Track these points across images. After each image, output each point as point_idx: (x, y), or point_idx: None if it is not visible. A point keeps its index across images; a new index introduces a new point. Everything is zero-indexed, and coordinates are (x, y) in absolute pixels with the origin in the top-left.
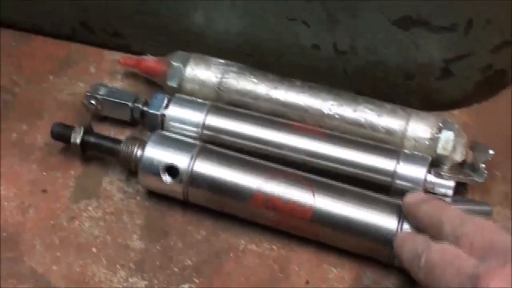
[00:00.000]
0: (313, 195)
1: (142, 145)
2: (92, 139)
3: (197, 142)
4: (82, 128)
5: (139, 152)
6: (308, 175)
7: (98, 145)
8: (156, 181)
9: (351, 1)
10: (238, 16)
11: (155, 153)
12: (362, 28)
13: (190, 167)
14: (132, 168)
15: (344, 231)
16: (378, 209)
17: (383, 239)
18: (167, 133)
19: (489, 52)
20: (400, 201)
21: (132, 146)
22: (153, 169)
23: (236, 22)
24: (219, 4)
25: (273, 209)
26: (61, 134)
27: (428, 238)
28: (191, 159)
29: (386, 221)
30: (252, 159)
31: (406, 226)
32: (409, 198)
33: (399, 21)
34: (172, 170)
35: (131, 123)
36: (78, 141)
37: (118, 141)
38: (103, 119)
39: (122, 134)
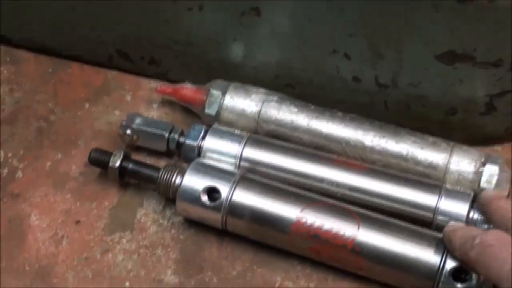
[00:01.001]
0: (358, 225)
1: (182, 172)
2: (130, 165)
3: (236, 170)
4: (122, 153)
5: (178, 179)
6: (351, 206)
7: (136, 171)
8: (195, 207)
9: (396, 36)
10: (278, 47)
11: (194, 180)
12: (405, 62)
13: (230, 195)
14: (170, 196)
15: (387, 264)
16: (422, 244)
17: (426, 274)
18: (207, 161)
19: None
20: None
21: (171, 172)
22: (193, 195)
23: (275, 53)
24: (258, 34)
25: (314, 237)
26: (99, 159)
27: None
28: (231, 187)
29: (429, 256)
30: (293, 188)
31: (449, 262)
32: (486, 193)
33: (443, 56)
34: (212, 194)
35: (167, 154)
36: (117, 165)
37: (157, 168)
38: (139, 149)
39: (158, 165)
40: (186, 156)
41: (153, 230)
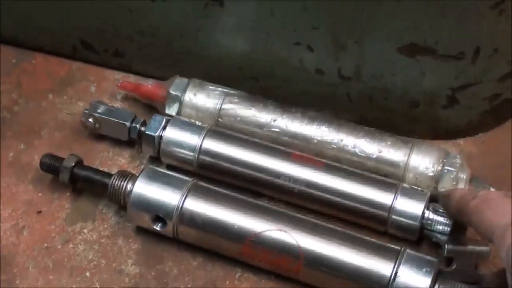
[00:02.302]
0: (300, 252)
1: (133, 181)
2: (82, 173)
3: (188, 178)
4: (73, 162)
5: (128, 187)
6: (295, 225)
7: (88, 178)
8: (145, 223)
9: (358, 29)
10: (241, 39)
11: (145, 190)
12: (367, 55)
13: (180, 205)
14: (122, 204)
15: (335, 278)
16: (371, 255)
17: (376, 284)
18: (158, 169)
19: (496, 81)
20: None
21: (121, 181)
22: (142, 217)
23: (239, 45)
24: (221, 26)
25: (262, 261)
26: (50, 166)
27: None
28: (181, 197)
29: (379, 266)
30: (242, 197)
31: (401, 271)
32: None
33: (405, 49)
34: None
35: (129, 143)
36: (66, 180)
37: (108, 176)
38: (102, 137)
39: (120, 155)
40: (147, 146)
41: (115, 221)
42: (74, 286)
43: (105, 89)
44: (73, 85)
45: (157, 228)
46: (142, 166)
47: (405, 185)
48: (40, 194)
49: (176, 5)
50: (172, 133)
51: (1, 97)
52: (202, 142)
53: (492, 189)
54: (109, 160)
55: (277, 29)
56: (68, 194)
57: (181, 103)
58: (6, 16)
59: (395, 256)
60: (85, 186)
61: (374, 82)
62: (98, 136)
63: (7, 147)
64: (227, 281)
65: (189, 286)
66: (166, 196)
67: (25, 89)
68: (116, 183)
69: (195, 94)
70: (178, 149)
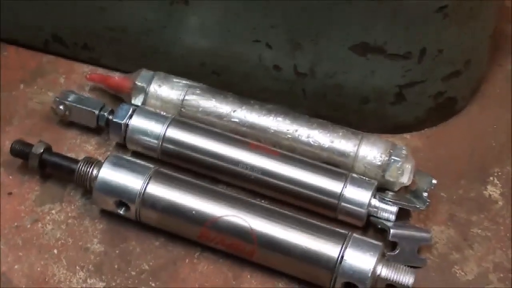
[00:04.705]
0: (254, 236)
1: (98, 167)
2: (50, 158)
3: (150, 165)
4: (41, 149)
5: (94, 173)
6: (250, 210)
7: (56, 164)
8: (109, 206)
9: (313, 28)
10: (203, 35)
11: (109, 176)
12: (322, 53)
13: (142, 191)
14: (88, 188)
15: (287, 260)
16: (321, 238)
17: (324, 265)
18: (122, 156)
19: (441, 80)
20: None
21: (87, 167)
22: (106, 201)
23: (202, 41)
24: (186, 23)
25: (219, 244)
26: (20, 151)
27: None
28: (143, 183)
29: (327, 248)
30: (201, 183)
31: (348, 253)
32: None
33: (357, 47)
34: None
35: (97, 130)
36: (35, 166)
37: (75, 161)
38: (71, 124)
39: (87, 142)
40: (114, 134)
41: (82, 203)
42: (42, 262)
43: (74, 81)
44: (44, 77)
45: (121, 212)
46: (109, 153)
47: (354, 174)
48: (10, 177)
49: (143, 3)
50: (137, 122)
51: None
52: (165, 130)
53: (434, 181)
54: (77, 146)
55: (238, 28)
56: (38, 177)
57: (146, 94)
58: None
59: (342, 240)
60: (53, 171)
61: (327, 79)
62: (67, 123)
63: None
64: (187, 260)
65: (150, 263)
66: (129, 181)
67: None
68: (82, 169)
69: (159, 86)
70: (143, 137)
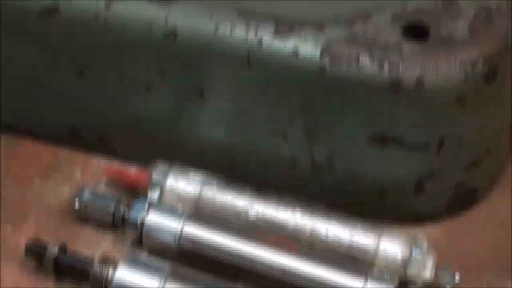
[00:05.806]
0: None
1: (113, 269)
2: (64, 262)
3: (166, 265)
4: (56, 250)
5: (109, 275)
6: None
7: (71, 265)
8: None
9: (329, 119)
10: (219, 128)
11: (125, 278)
12: (339, 145)
13: None
14: None
15: None
16: None
17: None
18: (137, 256)
19: (461, 170)
20: None
21: (102, 270)
22: None
23: (218, 133)
24: (201, 115)
25: None
26: (35, 254)
27: None
28: (160, 285)
29: None
30: (219, 282)
31: None
32: None
33: (374, 139)
34: None
35: (114, 226)
36: (49, 268)
37: (90, 263)
38: (87, 220)
39: (103, 239)
40: (129, 230)
41: None
42: None
43: (91, 174)
44: (60, 171)
45: None
46: (125, 249)
47: (374, 272)
48: (25, 277)
49: (159, 96)
50: (153, 220)
51: None
52: (182, 228)
53: (456, 276)
54: (93, 243)
55: (254, 120)
56: (53, 277)
57: (162, 188)
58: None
59: None
60: (69, 272)
61: (344, 171)
62: (83, 219)
63: None
64: None
65: None
66: (146, 283)
67: (12, 174)
68: (97, 272)
69: (176, 181)
70: (159, 235)
